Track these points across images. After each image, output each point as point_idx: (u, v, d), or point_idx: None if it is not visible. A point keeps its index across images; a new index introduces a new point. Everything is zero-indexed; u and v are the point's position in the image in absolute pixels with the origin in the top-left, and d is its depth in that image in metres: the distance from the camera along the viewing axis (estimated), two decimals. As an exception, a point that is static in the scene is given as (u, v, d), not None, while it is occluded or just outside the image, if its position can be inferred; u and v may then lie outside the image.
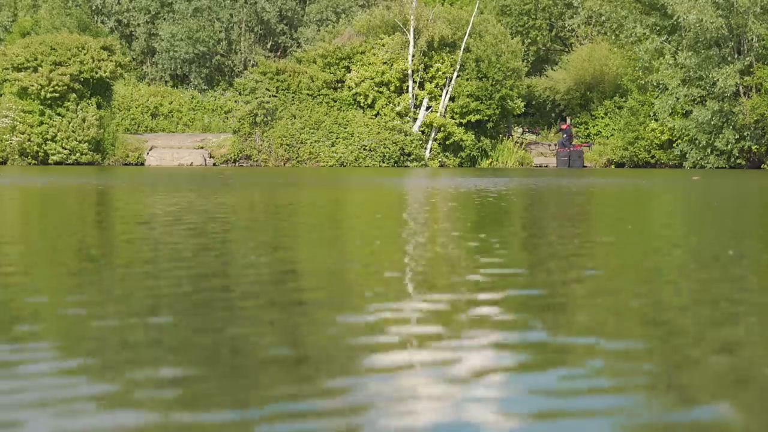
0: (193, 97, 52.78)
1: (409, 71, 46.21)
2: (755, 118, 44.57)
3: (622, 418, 2.16)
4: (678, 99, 45.53)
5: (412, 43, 46.35)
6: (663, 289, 4.28)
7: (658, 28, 47.28)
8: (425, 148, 45.70)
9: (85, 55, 43.88)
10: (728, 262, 5.33)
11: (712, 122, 44.54)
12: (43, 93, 42.85)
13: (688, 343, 3.04)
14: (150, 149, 45.08)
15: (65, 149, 43.07)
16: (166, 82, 55.62)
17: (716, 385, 2.48)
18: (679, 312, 3.62)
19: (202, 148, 45.67)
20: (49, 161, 43.01)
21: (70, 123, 43.15)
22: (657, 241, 6.99)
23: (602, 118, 49.87)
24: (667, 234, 7.80)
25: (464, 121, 45.88)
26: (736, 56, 46.03)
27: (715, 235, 7.51)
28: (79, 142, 43.15)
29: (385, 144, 44.69)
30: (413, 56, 46.33)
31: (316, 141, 44.86)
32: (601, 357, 2.82)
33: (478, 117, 45.87)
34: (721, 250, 6.00)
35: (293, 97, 45.36)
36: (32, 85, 42.86)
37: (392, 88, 46.21)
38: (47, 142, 43.09)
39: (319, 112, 45.22)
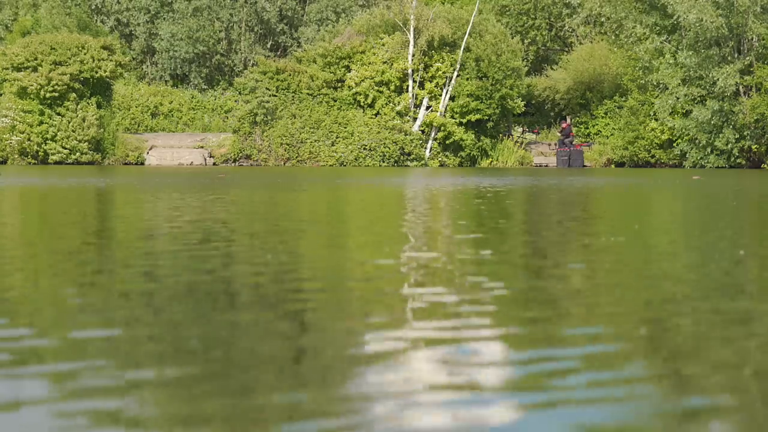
0: (193, 97, 52.77)
1: (409, 71, 46.20)
2: (755, 118, 44.55)
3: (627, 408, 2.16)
4: (678, 98, 45.51)
5: (412, 43, 46.34)
6: (671, 288, 4.27)
7: (658, 27, 47.24)
8: (425, 148, 45.69)
9: (85, 54, 43.86)
10: (740, 260, 5.31)
11: (712, 122, 44.52)
12: (42, 93, 42.84)
13: (693, 339, 3.03)
14: (150, 149, 45.08)
15: (65, 149, 43.07)
16: (166, 81, 55.60)
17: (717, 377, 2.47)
18: (686, 310, 3.61)
19: (202, 147, 45.67)
20: (49, 161, 43.00)
21: (70, 122, 43.14)
22: (666, 241, 6.98)
23: (602, 117, 49.86)
24: (677, 233, 7.78)
25: (464, 120, 45.87)
26: (736, 56, 46.02)
27: (730, 234, 7.49)
28: (79, 141, 43.14)
29: (385, 143, 44.68)
30: (413, 56, 46.32)
31: (316, 140, 44.86)
32: (608, 351, 2.81)
33: (478, 116, 45.85)
34: (733, 250, 5.99)
35: (293, 96, 45.35)
36: (32, 85, 42.84)
37: (392, 88, 46.19)
38: (47, 141, 43.09)
39: (319, 111, 45.21)
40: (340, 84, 46.43)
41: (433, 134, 45.80)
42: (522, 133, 49.53)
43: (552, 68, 53.01)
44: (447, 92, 46.24)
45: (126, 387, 2.43)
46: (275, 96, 45.15)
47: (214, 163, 44.71)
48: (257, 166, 42.17)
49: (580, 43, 53.30)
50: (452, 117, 46.06)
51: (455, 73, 46.24)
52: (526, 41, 54.35)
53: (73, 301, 3.85)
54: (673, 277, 4.74)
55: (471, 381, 2.53)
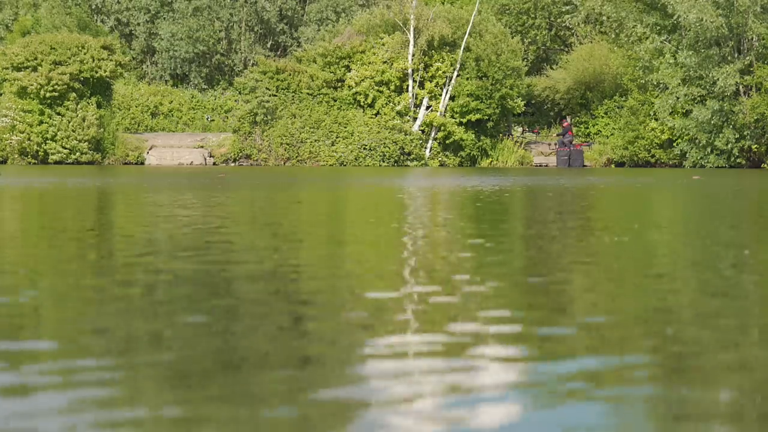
0: (193, 97, 52.75)
1: (409, 70, 46.18)
2: (755, 118, 44.55)
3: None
4: (678, 98, 45.50)
5: (412, 43, 46.33)
6: (673, 286, 4.26)
7: (658, 27, 47.23)
8: (425, 148, 45.68)
9: (85, 54, 43.85)
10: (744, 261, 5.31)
11: (712, 121, 44.52)
12: (42, 92, 42.83)
13: (694, 336, 3.03)
14: (150, 148, 45.07)
15: (65, 148, 43.05)
16: (166, 81, 55.58)
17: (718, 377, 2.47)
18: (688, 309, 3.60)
19: (202, 147, 45.66)
20: (49, 160, 42.99)
21: (69, 122, 43.12)
22: (668, 241, 6.97)
23: (602, 117, 49.83)
24: (678, 233, 7.77)
25: (464, 120, 45.85)
26: (736, 55, 46.01)
27: (733, 234, 7.49)
28: (79, 141, 43.13)
29: (385, 143, 44.67)
30: (413, 55, 46.30)
31: (316, 140, 44.85)
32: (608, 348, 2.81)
33: (478, 116, 45.83)
34: (738, 250, 5.98)
35: (293, 96, 45.34)
36: (32, 85, 42.83)
37: (392, 88, 46.17)
38: (47, 141, 43.08)
39: (319, 111, 45.20)
40: (340, 84, 46.41)
41: (433, 134, 45.78)
42: (522, 133, 49.52)
43: (552, 68, 52.99)
44: (447, 92, 46.22)
45: (124, 385, 2.42)
46: (275, 96, 45.14)
47: (214, 163, 44.70)
48: (257, 166, 42.17)
49: (580, 43, 53.28)
50: (452, 117, 46.05)
51: (455, 73, 46.22)
52: (526, 41, 54.33)
53: (73, 300, 3.84)
54: (676, 277, 4.74)
55: (471, 385, 2.52)
